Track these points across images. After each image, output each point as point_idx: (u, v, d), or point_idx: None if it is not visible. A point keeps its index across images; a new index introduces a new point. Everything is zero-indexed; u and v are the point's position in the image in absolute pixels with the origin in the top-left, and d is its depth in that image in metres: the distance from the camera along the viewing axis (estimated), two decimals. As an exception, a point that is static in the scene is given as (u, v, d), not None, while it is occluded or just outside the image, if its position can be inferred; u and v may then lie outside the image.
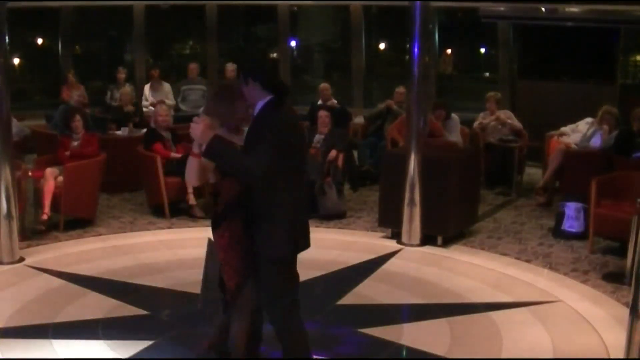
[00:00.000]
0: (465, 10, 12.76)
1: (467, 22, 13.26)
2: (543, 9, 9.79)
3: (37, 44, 14.40)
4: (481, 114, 9.53)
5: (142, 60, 13.24)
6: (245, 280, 3.67)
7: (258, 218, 3.54)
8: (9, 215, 6.04)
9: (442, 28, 12.40)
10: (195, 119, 3.49)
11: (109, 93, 10.98)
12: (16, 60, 13.10)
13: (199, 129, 3.41)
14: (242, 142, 3.61)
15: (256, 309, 3.76)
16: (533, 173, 9.66)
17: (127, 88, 10.62)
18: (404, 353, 4.63)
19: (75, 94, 9.68)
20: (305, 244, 3.73)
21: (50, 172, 7.06)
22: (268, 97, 3.52)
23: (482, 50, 14.30)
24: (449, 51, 13.86)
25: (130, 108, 9.85)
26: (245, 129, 3.68)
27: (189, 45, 15.26)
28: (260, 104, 3.54)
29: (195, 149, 3.50)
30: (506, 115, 9.40)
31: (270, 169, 3.35)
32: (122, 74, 11.28)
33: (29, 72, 14.10)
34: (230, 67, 11.33)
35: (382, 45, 14.42)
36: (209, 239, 5.38)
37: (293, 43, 13.80)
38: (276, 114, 3.51)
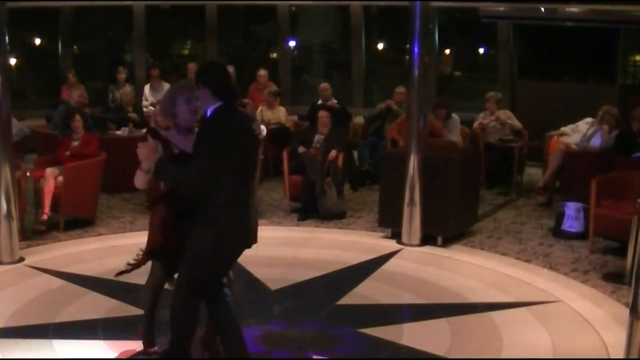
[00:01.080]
0: (465, 10, 12.75)
1: (467, 22, 13.26)
2: (543, 9, 9.78)
3: (34, 44, 14.38)
4: (481, 114, 9.52)
5: (142, 60, 13.24)
6: (158, 255, 4.08)
7: (197, 217, 3.74)
8: (9, 215, 6.05)
9: (442, 28, 12.39)
10: (139, 144, 3.87)
11: (110, 95, 10.97)
12: (12, 61, 13.08)
13: (144, 154, 3.85)
14: (192, 142, 3.81)
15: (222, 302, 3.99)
16: (533, 173, 9.66)
17: (127, 88, 10.61)
18: (404, 353, 4.63)
19: (75, 94, 9.67)
20: (240, 247, 3.88)
21: (50, 172, 7.06)
22: (217, 103, 3.70)
23: (482, 50, 14.30)
24: (447, 51, 13.85)
25: (124, 98, 9.87)
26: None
27: (188, 45, 15.26)
28: (210, 109, 3.72)
29: (144, 168, 3.90)
30: (506, 115, 9.40)
31: (208, 176, 3.61)
32: (122, 74, 11.26)
33: (27, 72, 14.08)
34: (229, 69, 11.31)
35: (381, 45, 14.41)
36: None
37: (292, 43, 13.79)
38: (220, 120, 3.68)
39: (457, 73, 14.47)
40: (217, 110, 3.70)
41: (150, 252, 4.09)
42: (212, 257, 3.76)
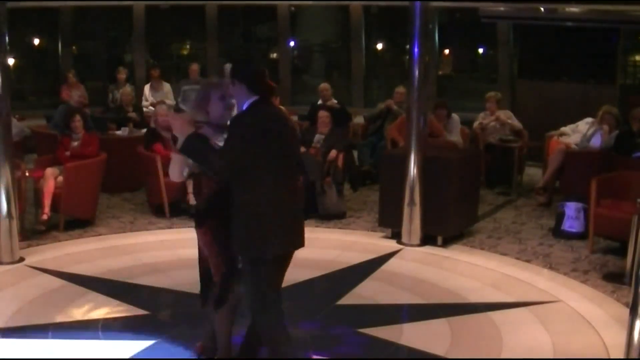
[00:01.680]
0: (464, 10, 12.75)
1: (467, 22, 13.26)
2: (542, 9, 9.78)
3: (33, 44, 14.37)
4: (481, 114, 9.53)
5: (142, 60, 13.24)
6: (231, 274, 3.81)
7: (234, 217, 3.63)
8: (9, 215, 6.04)
9: (442, 28, 12.39)
10: (171, 114, 3.68)
11: (110, 95, 10.97)
12: (11, 61, 13.07)
13: (178, 123, 3.62)
14: None
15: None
16: (533, 173, 9.66)
17: (128, 88, 10.62)
18: (404, 353, 4.63)
19: (75, 94, 9.67)
20: (292, 244, 3.72)
21: (50, 172, 7.06)
22: (253, 98, 3.65)
23: (482, 50, 14.30)
24: (446, 51, 13.85)
25: (124, 99, 9.86)
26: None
27: (187, 45, 15.25)
28: (245, 105, 3.66)
29: (179, 146, 3.62)
30: (506, 115, 9.40)
31: (230, 167, 3.50)
32: (122, 74, 11.26)
33: (25, 72, 14.06)
34: (229, 68, 11.31)
35: (380, 45, 14.40)
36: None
37: (291, 43, 13.79)
38: (253, 114, 3.62)
39: (455, 73, 14.46)
40: (252, 103, 3.65)
41: (224, 280, 3.84)
42: (269, 255, 3.62)
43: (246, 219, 3.60)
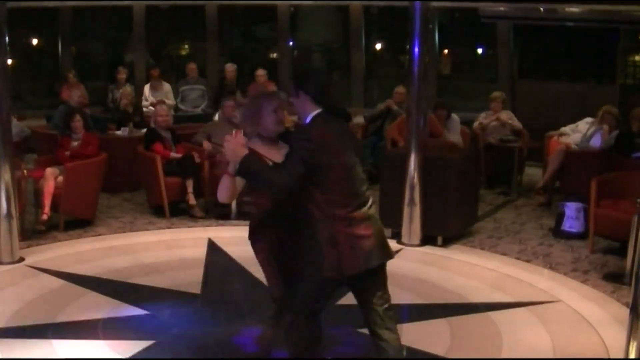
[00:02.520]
0: (463, 10, 12.76)
1: (467, 22, 13.27)
2: (542, 9, 9.78)
3: (31, 44, 14.36)
4: (482, 114, 9.52)
5: (142, 60, 13.24)
6: (290, 288, 3.73)
7: (307, 234, 3.53)
8: (9, 215, 6.04)
9: (442, 28, 12.39)
10: (227, 137, 3.49)
11: (110, 95, 10.97)
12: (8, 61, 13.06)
13: (231, 148, 3.44)
14: (278, 153, 3.62)
15: (313, 312, 3.69)
16: (533, 173, 9.66)
17: (128, 88, 10.61)
18: (404, 353, 4.62)
19: (75, 94, 9.66)
20: (367, 264, 3.46)
21: (50, 172, 7.06)
22: (317, 111, 3.50)
23: (481, 50, 14.30)
24: (445, 51, 13.84)
25: (126, 103, 9.84)
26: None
27: (188, 45, 15.25)
28: (309, 117, 3.51)
29: (230, 169, 3.51)
30: (507, 115, 9.40)
31: (297, 182, 3.34)
32: (122, 74, 11.25)
33: (23, 72, 14.05)
34: (230, 68, 11.32)
35: (379, 46, 14.40)
36: (209, 239, 5.47)
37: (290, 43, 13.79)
38: (317, 127, 3.46)
39: (455, 73, 14.45)
40: (317, 117, 3.49)
41: (283, 296, 3.81)
42: (331, 279, 3.47)
43: (321, 236, 3.44)
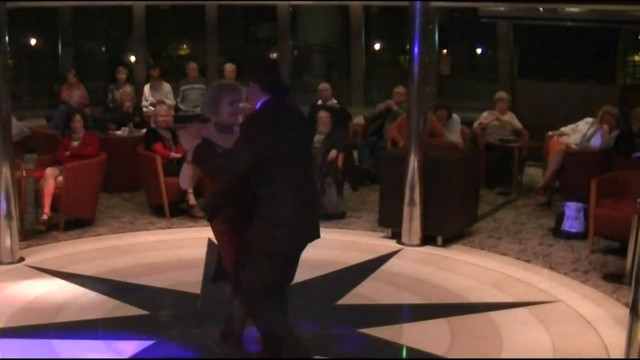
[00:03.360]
0: (462, 10, 12.75)
1: (466, 22, 13.26)
2: (541, 9, 9.78)
3: (29, 44, 14.34)
4: (483, 114, 9.51)
5: (142, 60, 13.24)
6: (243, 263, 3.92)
7: (254, 212, 3.74)
8: (9, 215, 6.04)
9: (442, 28, 12.39)
10: (180, 131, 3.89)
11: (110, 95, 10.96)
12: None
13: (185, 139, 3.89)
14: (233, 141, 3.88)
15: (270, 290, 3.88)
16: (533, 173, 9.66)
17: (128, 88, 10.61)
18: (404, 353, 4.63)
19: (75, 94, 9.66)
20: (308, 237, 3.87)
21: (50, 172, 7.06)
22: (265, 97, 3.79)
23: (480, 50, 14.30)
24: (444, 51, 13.84)
25: (128, 105, 9.83)
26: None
27: (188, 45, 15.24)
28: (259, 104, 3.81)
29: (189, 157, 3.87)
30: (507, 116, 9.39)
31: (247, 165, 3.65)
32: (122, 74, 11.25)
33: (19, 72, 14.03)
34: (230, 68, 11.31)
35: (378, 45, 14.40)
36: (209, 239, 5.47)
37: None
38: (267, 113, 3.76)
39: (455, 74, 14.45)
40: (265, 103, 3.80)
41: (236, 269, 3.97)
42: (277, 254, 3.77)
43: (267, 214, 3.71)
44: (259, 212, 3.73)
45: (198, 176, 4.09)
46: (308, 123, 4.15)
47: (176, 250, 6.50)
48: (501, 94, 9.52)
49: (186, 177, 4.00)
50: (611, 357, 4.47)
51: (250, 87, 3.86)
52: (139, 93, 11.29)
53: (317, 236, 3.94)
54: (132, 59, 13.61)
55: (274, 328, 3.93)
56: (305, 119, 4.05)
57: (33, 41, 14.26)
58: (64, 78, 11.57)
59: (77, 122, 7.54)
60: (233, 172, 3.73)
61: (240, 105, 4.04)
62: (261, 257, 3.77)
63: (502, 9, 10.59)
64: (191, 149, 3.83)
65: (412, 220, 6.66)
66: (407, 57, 6.80)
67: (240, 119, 4.02)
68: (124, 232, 7.14)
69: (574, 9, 9.73)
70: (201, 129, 3.97)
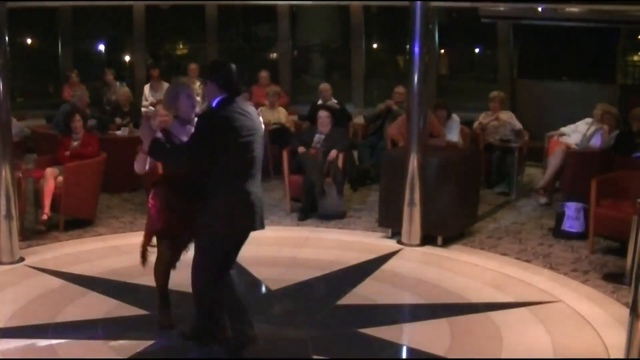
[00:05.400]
0: (462, 10, 12.75)
1: (466, 22, 13.26)
2: (540, 9, 9.79)
3: (26, 44, 14.34)
4: (482, 114, 9.52)
5: (142, 60, 13.24)
6: (160, 236, 4.54)
7: (205, 200, 4.09)
8: (9, 215, 6.04)
9: (441, 28, 12.39)
10: (141, 125, 4.42)
11: (104, 98, 10.94)
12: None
13: (142, 133, 4.26)
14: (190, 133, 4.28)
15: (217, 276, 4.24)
16: (533, 173, 9.66)
17: (125, 88, 10.59)
18: (404, 353, 4.63)
19: (77, 94, 9.64)
20: (248, 227, 4.15)
21: (50, 172, 7.06)
22: (222, 96, 4.09)
23: (480, 50, 14.30)
24: (442, 51, 13.84)
25: (125, 104, 9.84)
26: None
27: (188, 45, 15.24)
28: (215, 101, 4.10)
29: (144, 147, 4.24)
30: (507, 115, 9.40)
31: (197, 156, 4.02)
32: (109, 75, 11.27)
33: (16, 73, 14.01)
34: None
35: (377, 45, 14.40)
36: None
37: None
38: (220, 110, 4.05)
39: (454, 74, 14.45)
40: (221, 100, 4.08)
41: (157, 232, 4.53)
42: (221, 240, 4.13)
43: (215, 202, 4.05)
44: (208, 201, 4.07)
45: (152, 165, 4.54)
46: (259, 122, 4.44)
47: (176, 250, 6.48)
48: (493, 93, 9.52)
49: (141, 164, 4.40)
50: (611, 357, 4.47)
51: (207, 85, 4.19)
52: (139, 93, 11.29)
53: (256, 228, 4.19)
54: (127, 58, 13.61)
55: (208, 315, 4.35)
56: (257, 118, 4.29)
57: (32, 41, 14.26)
58: (66, 78, 11.56)
59: (77, 122, 7.54)
60: (182, 164, 4.20)
61: (198, 98, 4.47)
62: (206, 244, 4.14)
63: (502, 9, 10.59)
64: (148, 140, 4.19)
65: (412, 220, 6.66)
66: (407, 57, 6.80)
67: (195, 112, 4.46)
68: (124, 232, 7.14)
69: (574, 9, 9.74)
70: (155, 127, 4.37)
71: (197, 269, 4.22)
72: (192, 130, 4.24)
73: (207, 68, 4.39)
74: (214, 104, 4.12)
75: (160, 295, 4.75)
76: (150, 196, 4.55)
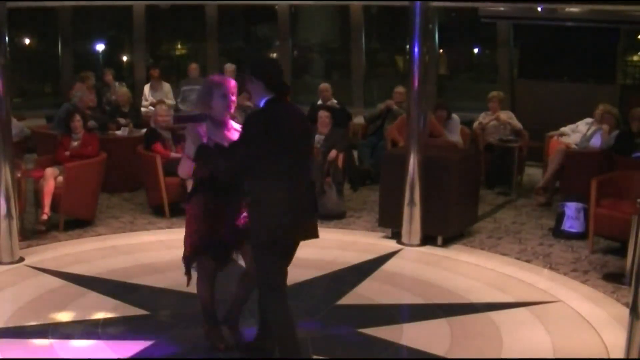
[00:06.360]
0: (462, 10, 12.75)
1: (466, 22, 13.27)
2: (539, 9, 9.78)
3: (30, 44, 14.34)
4: (482, 114, 9.53)
5: (142, 60, 13.24)
6: (203, 247, 4.16)
7: (250, 204, 3.89)
8: (9, 215, 6.04)
9: (441, 28, 12.39)
10: (188, 127, 4.10)
11: (104, 99, 10.94)
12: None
13: (188, 137, 4.03)
14: (227, 135, 4.10)
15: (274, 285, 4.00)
16: (533, 173, 9.66)
17: (124, 88, 10.60)
18: (404, 353, 4.63)
19: (77, 94, 9.63)
20: (303, 235, 3.97)
21: (50, 172, 7.06)
22: (269, 96, 3.85)
23: (479, 50, 14.30)
24: (440, 51, 13.84)
25: (124, 104, 9.83)
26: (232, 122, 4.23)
27: (188, 45, 15.25)
28: (262, 102, 3.87)
29: (189, 152, 4.03)
30: (506, 115, 9.40)
31: (245, 160, 3.79)
32: (109, 76, 11.26)
33: (21, 72, 14.04)
34: (230, 68, 11.31)
35: (377, 45, 14.41)
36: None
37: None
38: (269, 110, 3.83)
39: (454, 74, 14.45)
40: (268, 101, 3.86)
41: (195, 246, 4.18)
42: (270, 247, 3.86)
43: (261, 207, 3.82)
44: (253, 205, 3.86)
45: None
46: (308, 124, 4.19)
47: (176, 250, 6.41)
48: (492, 93, 9.53)
49: (186, 169, 4.15)
50: (611, 357, 4.47)
51: (253, 84, 3.90)
52: (139, 93, 11.29)
53: (313, 236, 4.04)
54: (125, 58, 13.61)
55: (283, 325, 4.00)
56: (305, 120, 4.10)
57: (28, 41, 14.25)
58: (82, 79, 11.45)
59: (77, 122, 7.54)
60: (230, 170, 3.91)
61: (233, 98, 4.13)
62: (259, 250, 3.89)
63: (502, 9, 10.59)
64: (193, 144, 3.97)
65: (412, 220, 6.66)
66: (407, 57, 6.80)
67: (233, 109, 4.17)
68: (124, 232, 7.14)
69: (574, 9, 9.74)
70: (203, 131, 4.08)
71: (257, 279, 4.03)
72: (227, 132, 4.08)
73: (251, 66, 4.00)
74: (261, 104, 3.90)
75: (206, 312, 4.41)
76: (187, 205, 4.22)
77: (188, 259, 4.26)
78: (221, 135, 4.08)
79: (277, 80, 3.88)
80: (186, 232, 4.22)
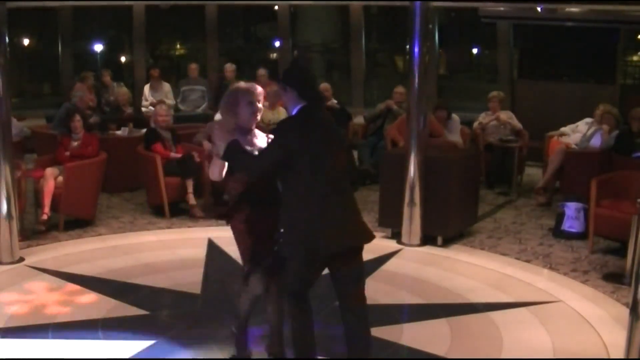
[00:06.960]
0: (462, 10, 12.75)
1: (466, 22, 13.27)
2: (539, 9, 9.78)
3: (30, 44, 14.34)
4: (482, 114, 9.53)
5: (142, 60, 13.24)
6: (256, 261, 4.00)
7: (283, 215, 3.82)
8: (9, 215, 6.04)
9: (440, 28, 12.39)
10: (216, 125, 4.06)
11: (102, 99, 10.95)
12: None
13: (217, 133, 3.93)
14: (253, 143, 4.00)
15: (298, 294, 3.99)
16: (533, 173, 9.66)
17: (124, 88, 10.60)
18: (404, 353, 4.62)
19: (77, 94, 9.63)
20: (333, 247, 3.81)
21: (50, 172, 7.06)
22: (302, 104, 3.81)
23: (479, 50, 14.30)
24: (440, 51, 13.84)
25: (125, 105, 9.84)
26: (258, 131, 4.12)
27: (188, 45, 15.26)
28: (295, 110, 3.84)
29: (218, 151, 3.90)
30: (507, 115, 9.40)
31: (272, 168, 3.74)
32: (106, 77, 11.26)
33: (21, 72, 14.05)
34: (230, 68, 11.32)
35: (377, 45, 14.42)
36: (209, 239, 5.45)
37: (278, 43, 13.79)
38: (299, 119, 3.79)
39: (453, 74, 14.46)
40: (301, 110, 3.82)
41: (251, 260, 4.03)
42: (302, 260, 3.80)
43: (296, 218, 3.75)
44: (287, 216, 3.79)
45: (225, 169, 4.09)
46: (339, 134, 4.12)
47: (176, 250, 6.49)
48: (492, 93, 9.54)
49: (217, 170, 4.01)
50: (611, 357, 4.47)
51: (287, 92, 3.85)
52: (138, 93, 11.29)
53: (345, 246, 3.90)
54: (124, 59, 13.60)
55: (298, 331, 4.02)
56: (336, 130, 4.02)
57: (27, 41, 14.25)
58: (82, 79, 11.43)
59: (77, 122, 7.54)
60: (258, 171, 3.82)
61: (260, 105, 4.02)
62: (293, 262, 3.85)
63: (502, 9, 10.59)
64: (223, 143, 3.84)
65: (412, 220, 6.66)
66: (407, 57, 6.80)
67: (257, 119, 4.05)
68: (124, 232, 7.14)
69: (574, 9, 9.73)
70: (233, 129, 3.98)
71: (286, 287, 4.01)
72: (254, 140, 4.00)
73: (283, 74, 3.94)
74: (293, 112, 3.84)
75: (240, 323, 4.35)
76: (231, 224, 4.08)
77: (248, 272, 4.10)
78: (249, 143, 3.98)
79: (310, 88, 3.87)
80: (241, 248, 4.08)
